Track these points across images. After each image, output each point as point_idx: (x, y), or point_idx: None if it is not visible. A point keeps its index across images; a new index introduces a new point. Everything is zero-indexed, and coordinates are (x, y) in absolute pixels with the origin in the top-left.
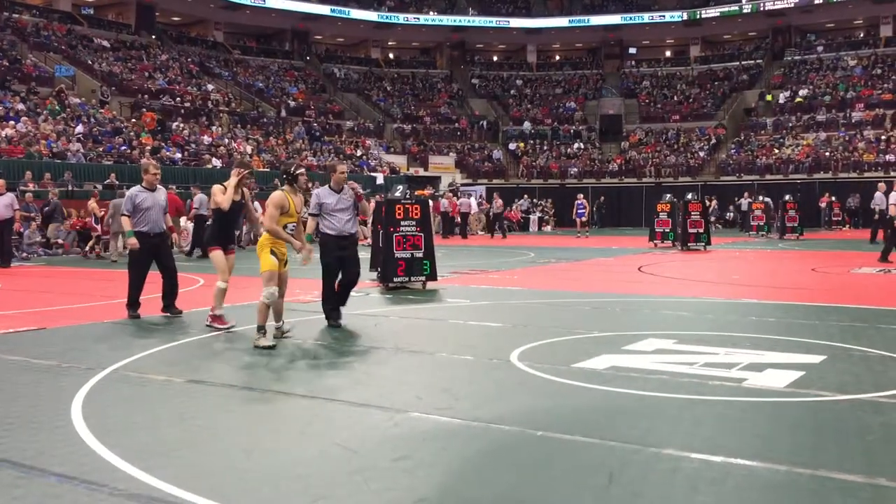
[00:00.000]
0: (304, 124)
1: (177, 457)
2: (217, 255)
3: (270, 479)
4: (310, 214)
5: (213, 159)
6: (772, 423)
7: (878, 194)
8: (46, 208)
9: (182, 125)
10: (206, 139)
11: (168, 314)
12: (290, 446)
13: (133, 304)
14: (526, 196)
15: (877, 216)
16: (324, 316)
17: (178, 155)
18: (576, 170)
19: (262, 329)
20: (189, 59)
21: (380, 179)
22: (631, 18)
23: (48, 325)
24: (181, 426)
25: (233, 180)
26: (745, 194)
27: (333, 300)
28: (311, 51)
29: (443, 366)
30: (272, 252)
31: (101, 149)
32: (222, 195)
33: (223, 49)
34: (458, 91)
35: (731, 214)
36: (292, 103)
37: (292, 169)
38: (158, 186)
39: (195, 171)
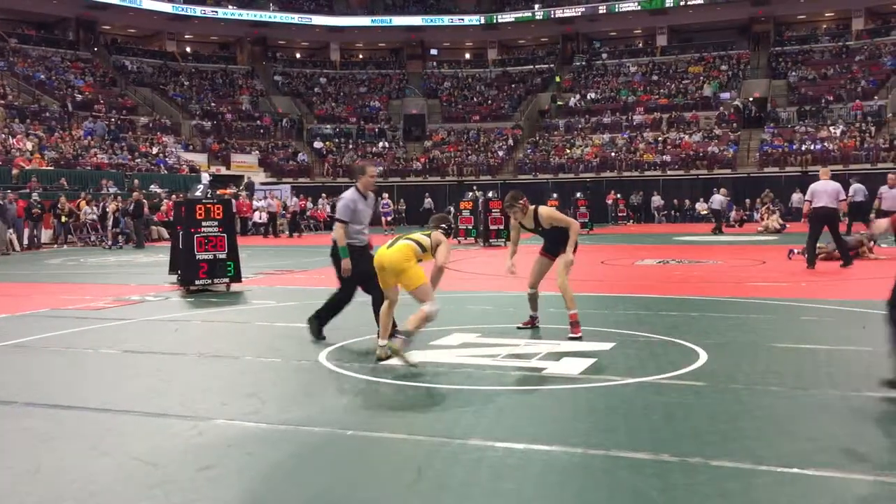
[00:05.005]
0: (94, 119)
1: None
2: None
3: (58, 499)
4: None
5: None
6: (568, 408)
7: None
8: None
9: None
10: None
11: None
12: (81, 463)
13: None
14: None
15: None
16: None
17: None
18: (381, 168)
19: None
20: None
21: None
22: (431, 20)
23: None
24: None
25: None
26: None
27: None
28: (98, 41)
29: (249, 370)
30: None
31: None
32: None
33: None
34: (260, 88)
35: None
36: (79, 97)
37: None
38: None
39: None
